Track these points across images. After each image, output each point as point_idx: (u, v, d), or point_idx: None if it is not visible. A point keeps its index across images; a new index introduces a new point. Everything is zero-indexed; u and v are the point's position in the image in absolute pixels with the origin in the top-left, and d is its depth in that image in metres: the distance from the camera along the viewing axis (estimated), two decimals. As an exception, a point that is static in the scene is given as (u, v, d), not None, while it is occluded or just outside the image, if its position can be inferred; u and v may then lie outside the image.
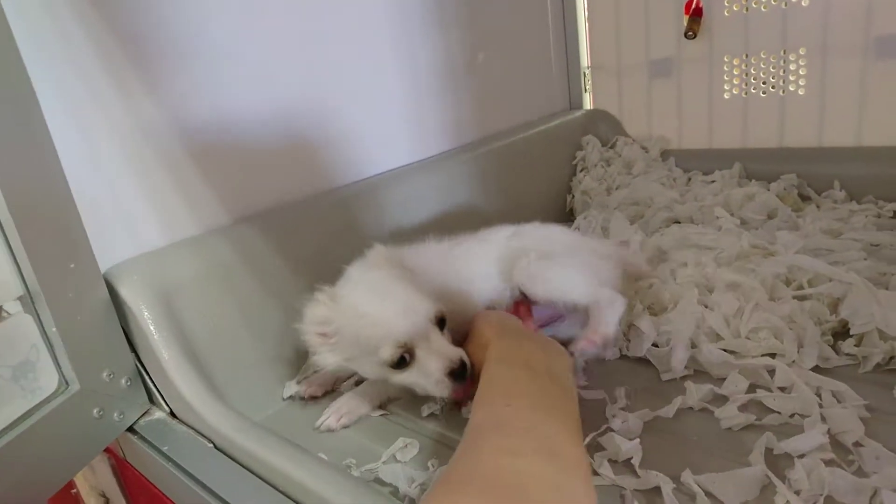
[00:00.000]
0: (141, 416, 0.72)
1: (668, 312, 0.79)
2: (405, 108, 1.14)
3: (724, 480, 0.55)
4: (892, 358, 0.70)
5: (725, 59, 1.33)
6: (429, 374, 0.66)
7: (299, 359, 0.84)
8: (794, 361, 0.70)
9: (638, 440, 0.60)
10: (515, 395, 0.50)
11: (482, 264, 0.82)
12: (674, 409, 0.66)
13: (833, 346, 0.73)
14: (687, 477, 0.55)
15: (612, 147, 1.46)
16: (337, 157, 1.02)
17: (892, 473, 0.52)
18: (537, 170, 1.36)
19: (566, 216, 1.39)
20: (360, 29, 1.02)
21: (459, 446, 0.47)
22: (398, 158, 1.13)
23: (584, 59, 1.55)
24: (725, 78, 1.35)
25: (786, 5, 1.21)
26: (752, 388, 0.68)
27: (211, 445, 0.65)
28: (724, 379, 0.69)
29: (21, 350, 0.60)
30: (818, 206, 1.15)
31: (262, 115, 0.89)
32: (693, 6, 1.30)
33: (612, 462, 0.60)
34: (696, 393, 0.68)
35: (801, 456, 0.56)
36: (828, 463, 0.54)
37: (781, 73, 1.28)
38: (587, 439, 0.62)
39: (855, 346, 0.72)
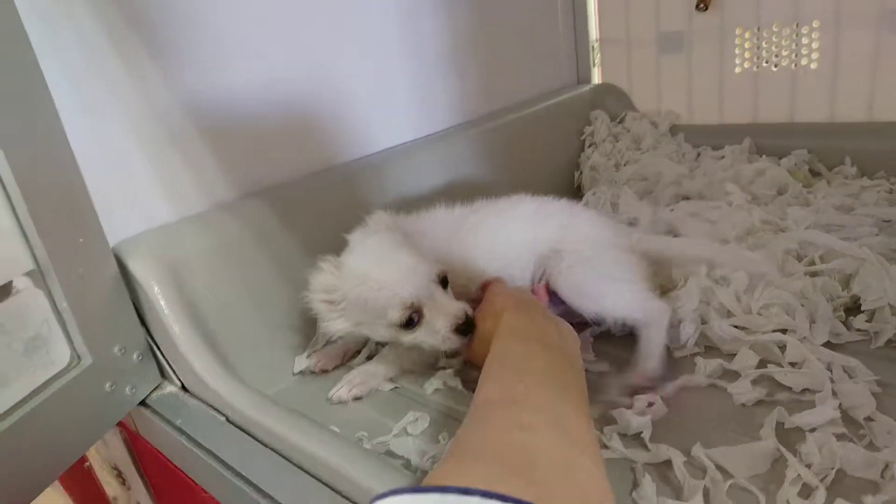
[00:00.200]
0: (153, 391, 0.72)
1: (678, 289, 0.79)
2: (411, 83, 1.12)
3: (735, 454, 0.55)
4: (903, 333, 0.69)
5: (737, 33, 1.31)
6: (436, 332, 0.67)
7: (309, 333, 0.84)
8: (805, 337, 0.70)
9: (648, 415, 0.60)
10: (528, 371, 0.49)
11: (501, 239, 0.81)
12: (682, 384, 0.66)
13: (844, 322, 0.73)
14: (698, 451, 0.55)
15: (620, 122, 1.44)
16: (342, 134, 1.01)
17: (904, 447, 0.52)
18: (545, 145, 1.35)
19: (574, 192, 1.38)
20: (364, 3, 1.01)
21: (467, 419, 0.47)
22: (404, 134, 1.12)
23: (593, 33, 1.52)
24: (737, 52, 1.33)
25: (800, -23, 1.19)
26: (762, 364, 0.68)
27: (223, 419, 0.65)
28: (735, 355, 0.69)
29: (33, 325, 0.61)
30: (829, 182, 1.14)
31: (267, 91, 0.88)
32: (705, -22, 1.28)
33: (622, 436, 0.60)
34: (705, 368, 0.68)
35: (813, 430, 0.56)
36: (839, 437, 0.54)
37: (794, 47, 1.25)
38: (597, 412, 0.63)
39: (866, 321, 0.72)
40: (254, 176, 0.88)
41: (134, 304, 0.70)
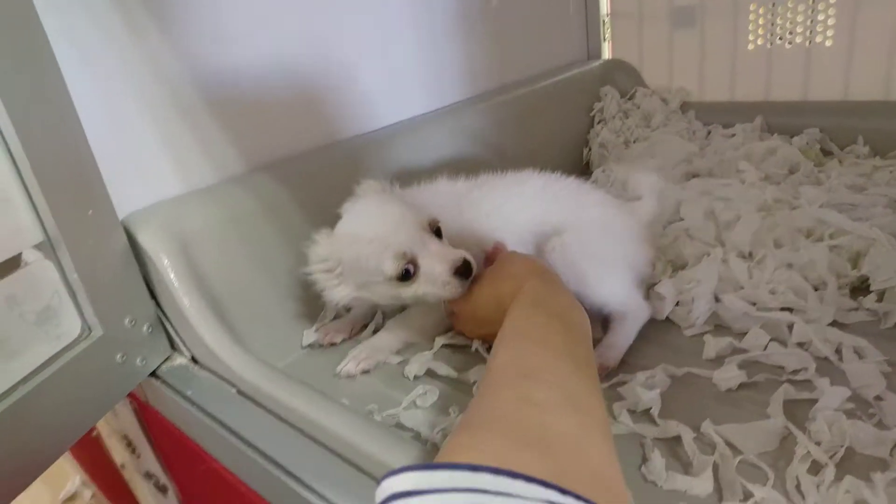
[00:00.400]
0: (163, 362, 0.73)
1: (689, 268, 0.79)
2: (419, 56, 1.11)
3: (744, 431, 0.55)
4: (913, 314, 0.69)
5: (751, 8, 1.29)
6: (435, 279, 0.66)
7: (316, 307, 0.84)
8: (813, 319, 0.69)
9: (658, 390, 0.61)
10: (546, 344, 0.48)
11: (506, 215, 0.80)
12: (691, 362, 0.67)
13: (854, 301, 0.73)
14: (707, 427, 0.56)
15: (630, 98, 1.43)
16: (349, 107, 1.00)
17: (914, 426, 0.52)
18: (553, 122, 1.33)
19: (582, 169, 1.37)
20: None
21: (480, 387, 0.46)
22: (412, 108, 1.11)
23: (604, 6, 1.49)
24: (750, 28, 1.31)
25: (818, -50, 1.16)
26: (770, 343, 0.68)
27: (234, 391, 0.66)
28: (744, 334, 0.69)
29: (44, 296, 0.61)
30: (840, 162, 1.13)
31: (274, 64, 0.87)
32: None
33: (631, 412, 0.61)
34: (714, 346, 0.68)
35: (822, 409, 0.56)
36: (849, 416, 0.54)
37: (809, 24, 1.23)
38: (604, 385, 0.63)
39: (876, 301, 0.72)
40: (262, 149, 0.87)
41: (143, 277, 0.70)
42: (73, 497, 1.60)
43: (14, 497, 0.56)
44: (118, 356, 0.67)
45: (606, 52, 1.54)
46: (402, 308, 0.80)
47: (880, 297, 0.72)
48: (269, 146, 0.88)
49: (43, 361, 0.60)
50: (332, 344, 0.81)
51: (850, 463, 0.51)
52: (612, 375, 0.66)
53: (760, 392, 0.61)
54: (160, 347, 0.72)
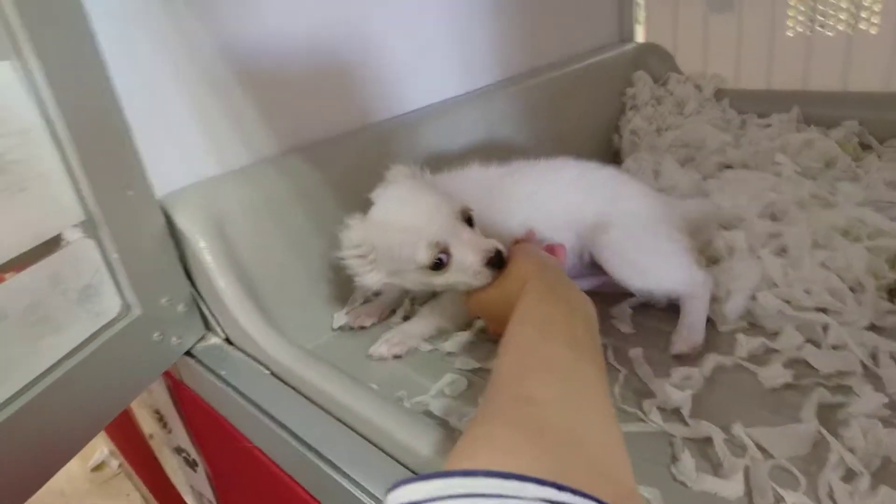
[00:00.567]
0: (197, 342, 0.74)
1: (723, 261, 0.78)
2: (451, 37, 1.09)
3: (776, 435, 0.55)
4: (953, 319, 0.68)
5: (793, -7, 1.25)
6: (466, 269, 0.66)
7: (347, 290, 0.85)
8: (849, 322, 0.69)
9: (689, 390, 0.61)
10: (548, 338, 0.48)
11: (540, 205, 0.79)
12: (722, 362, 0.66)
13: (890, 302, 0.72)
14: (738, 429, 0.56)
15: (663, 84, 1.40)
16: (380, 87, 0.99)
17: (952, 437, 0.51)
18: (584, 106, 1.31)
19: (612, 156, 1.35)
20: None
21: (488, 385, 0.46)
22: (443, 90, 1.10)
23: (639, -12, 1.46)
24: (790, 14, 1.27)
25: (868, -66, 1.12)
26: (804, 344, 0.67)
27: (268, 373, 0.67)
28: (777, 333, 0.69)
29: (85, 274, 0.62)
30: (879, 156, 1.10)
31: (305, 41, 0.86)
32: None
33: (661, 409, 0.61)
34: (746, 345, 0.68)
35: (856, 415, 0.55)
36: (885, 423, 0.54)
37: (853, 10, 1.19)
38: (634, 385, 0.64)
39: (915, 305, 0.71)
40: (294, 131, 0.87)
41: (179, 257, 0.71)
42: (100, 466, 1.66)
43: (57, 471, 0.58)
44: (155, 335, 0.68)
45: (639, 36, 1.50)
46: (433, 294, 0.81)
47: (919, 300, 0.71)
48: (301, 128, 0.88)
49: (84, 339, 0.61)
50: (362, 327, 0.82)
51: (886, 472, 0.50)
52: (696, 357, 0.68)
53: (793, 394, 0.61)
54: (195, 327, 0.74)
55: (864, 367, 0.62)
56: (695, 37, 1.41)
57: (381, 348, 0.75)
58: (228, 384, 0.67)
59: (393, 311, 0.85)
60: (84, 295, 0.62)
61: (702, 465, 0.54)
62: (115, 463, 1.66)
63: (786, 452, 0.53)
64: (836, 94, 1.24)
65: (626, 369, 0.68)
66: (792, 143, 1.12)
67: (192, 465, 0.91)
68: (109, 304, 0.64)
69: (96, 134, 0.60)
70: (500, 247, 0.67)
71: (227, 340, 0.73)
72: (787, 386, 0.62)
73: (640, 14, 1.49)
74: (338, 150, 0.89)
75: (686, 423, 0.58)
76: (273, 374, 0.67)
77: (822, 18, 1.24)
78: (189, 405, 0.79)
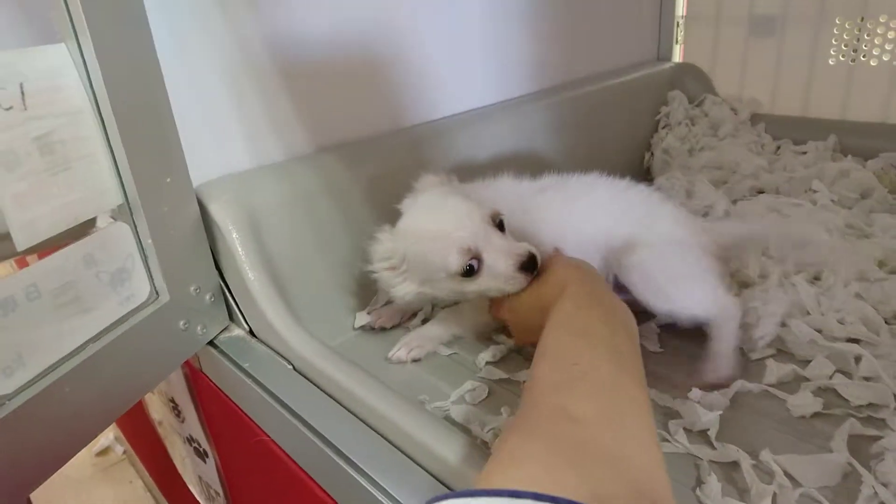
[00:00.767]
0: (220, 332, 0.74)
1: (754, 287, 0.77)
2: (488, 45, 1.09)
3: (804, 463, 0.54)
4: None
5: (837, 21, 1.23)
6: (499, 274, 0.65)
7: (370, 290, 0.85)
8: (882, 354, 0.67)
9: (718, 412, 0.59)
10: (587, 349, 0.47)
11: (572, 224, 0.78)
12: (749, 388, 0.65)
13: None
14: (766, 455, 0.54)
15: (698, 105, 1.39)
16: (415, 93, 0.99)
17: None
18: (617, 123, 1.31)
19: (643, 174, 1.34)
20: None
21: (524, 395, 0.46)
22: (477, 98, 1.10)
23: (680, 8, 1.45)
24: (833, 42, 1.25)
25: (918, -36, 1.10)
26: (835, 374, 0.66)
27: (290, 367, 0.67)
28: (808, 361, 0.67)
29: (118, 257, 0.62)
30: (917, 190, 1.08)
31: (345, 42, 0.86)
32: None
33: (688, 431, 0.60)
34: (776, 372, 0.66)
35: (892, 449, 0.54)
36: (921, 460, 0.52)
37: (898, 41, 1.17)
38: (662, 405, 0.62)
39: (951, 341, 0.69)
40: (328, 130, 0.88)
41: (209, 246, 0.72)
42: (105, 451, 1.67)
43: (76, 452, 0.59)
44: (181, 323, 0.68)
45: (677, 55, 1.49)
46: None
47: (956, 336, 0.69)
48: (335, 128, 0.89)
49: (111, 322, 0.62)
50: (383, 328, 0.82)
51: (920, 510, 0.49)
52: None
53: (822, 424, 0.59)
54: (220, 317, 0.74)
55: (896, 399, 0.61)
56: (733, 60, 1.40)
57: (400, 352, 0.74)
58: (250, 376, 0.67)
59: (414, 314, 0.85)
60: (117, 279, 0.62)
61: (727, 490, 0.52)
62: (119, 448, 1.66)
63: (815, 482, 0.52)
64: (875, 126, 1.22)
65: (652, 389, 0.66)
66: (827, 171, 1.11)
67: (202, 455, 0.91)
68: (139, 288, 0.65)
69: (142, 121, 0.60)
70: (534, 250, 0.66)
71: (251, 333, 0.74)
72: (817, 415, 0.61)
73: (680, 34, 1.48)
74: (369, 152, 0.89)
75: (713, 447, 0.57)
76: (295, 368, 0.67)
77: (866, 49, 1.22)
78: (206, 395, 0.79)
